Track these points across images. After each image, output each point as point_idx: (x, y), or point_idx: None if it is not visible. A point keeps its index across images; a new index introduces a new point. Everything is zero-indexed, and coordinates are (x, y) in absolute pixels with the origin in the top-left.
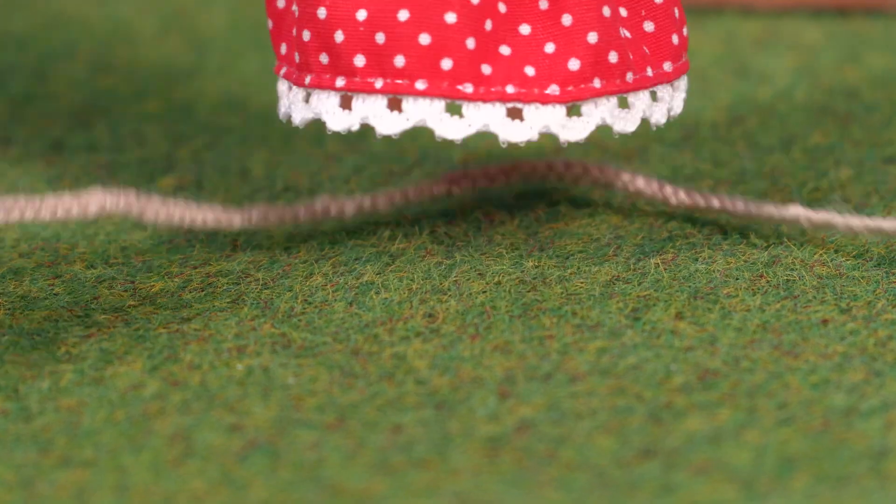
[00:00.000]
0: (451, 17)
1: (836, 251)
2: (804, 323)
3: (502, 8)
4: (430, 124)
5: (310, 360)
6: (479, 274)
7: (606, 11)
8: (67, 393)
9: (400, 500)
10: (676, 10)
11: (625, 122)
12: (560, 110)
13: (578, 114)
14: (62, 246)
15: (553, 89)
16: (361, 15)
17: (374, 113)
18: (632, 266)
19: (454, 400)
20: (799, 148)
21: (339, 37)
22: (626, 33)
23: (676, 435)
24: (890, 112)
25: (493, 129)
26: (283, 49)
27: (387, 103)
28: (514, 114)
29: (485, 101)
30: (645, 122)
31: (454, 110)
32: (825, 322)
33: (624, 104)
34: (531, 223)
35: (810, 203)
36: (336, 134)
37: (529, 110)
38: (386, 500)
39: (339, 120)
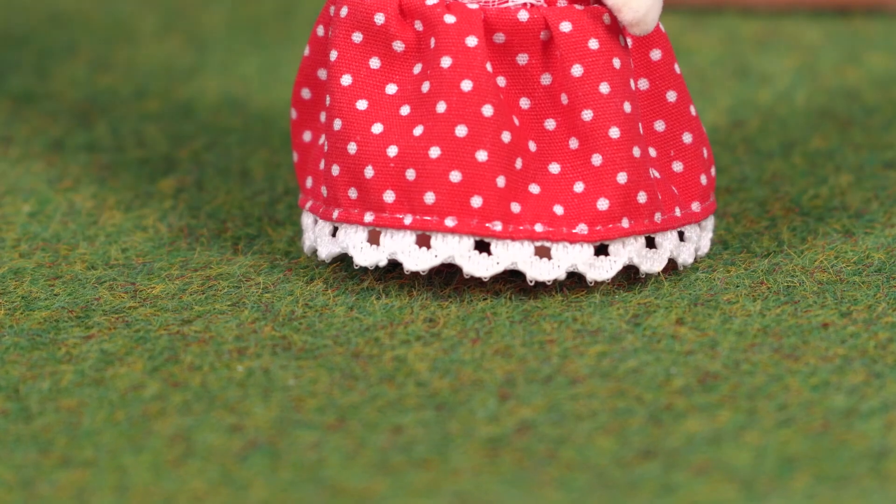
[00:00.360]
0: (482, 156)
1: (836, 257)
2: (804, 327)
3: (532, 147)
4: (459, 261)
5: (310, 361)
6: (480, 282)
7: (636, 152)
8: (68, 393)
9: (400, 500)
10: (705, 151)
11: (652, 262)
12: (588, 249)
13: (606, 253)
14: (63, 247)
15: (581, 228)
16: (392, 151)
17: (402, 249)
18: (632, 274)
19: (454, 401)
20: (799, 152)
21: (368, 172)
22: (655, 173)
23: (676, 436)
24: (890, 114)
25: (521, 267)
26: (309, 182)
27: (415, 239)
28: (542, 252)
29: (513, 239)
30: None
31: (482, 247)
32: (825, 325)
33: (651, 244)
34: None
35: (810, 212)
36: None
37: (557, 249)
38: (386, 500)
39: (366, 255)
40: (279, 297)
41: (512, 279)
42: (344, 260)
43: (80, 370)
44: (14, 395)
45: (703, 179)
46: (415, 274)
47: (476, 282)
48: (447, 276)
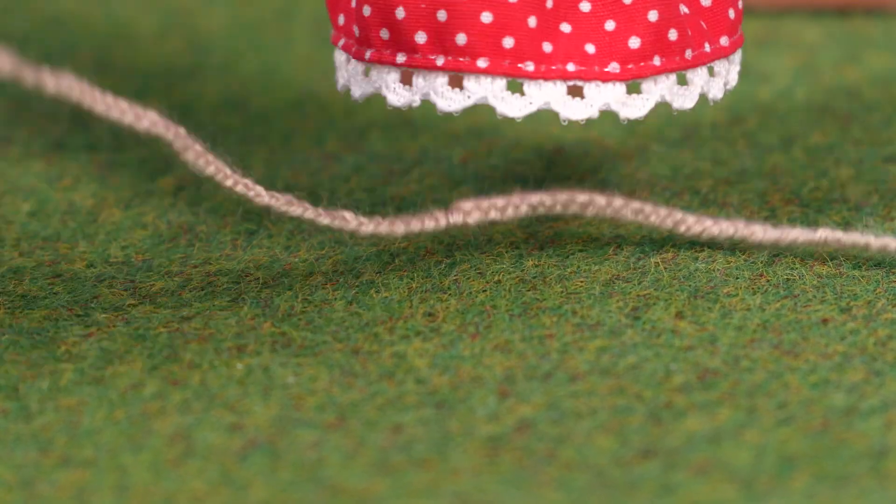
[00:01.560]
0: None
1: (835, 250)
2: (804, 322)
3: None
4: (492, 102)
5: (310, 359)
6: (479, 273)
7: None
8: (67, 392)
9: (400, 499)
10: None
11: (683, 99)
12: (620, 88)
13: (638, 91)
14: (62, 245)
15: (613, 67)
16: None
17: (435, 90)
18: (632, 265)
19: (454, 399)
20: (799, 147)
21: (400, 13)
22: (684, 9)
23: (676, 435)
24: (890, 111)
25: (554, 107)
26: (342, 20)
27: (448, 80)
28: (575, 91)
29: (546, 79)
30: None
31: (514, 88)
32: (825, 321)
33: (682, 80)
34: (531, 222)
35: (810, 203)
36: (335, 134)
37: (590, 88)
38: (386, 499)
39: (399, 96)
40: (278, 293)
41: (511, 269)
42: (342, 252)
43: (80, 369)
44: (14, 393)
45: (731, 13)
46: (411, 261)
47: (475, 272)
48: (446, 267)
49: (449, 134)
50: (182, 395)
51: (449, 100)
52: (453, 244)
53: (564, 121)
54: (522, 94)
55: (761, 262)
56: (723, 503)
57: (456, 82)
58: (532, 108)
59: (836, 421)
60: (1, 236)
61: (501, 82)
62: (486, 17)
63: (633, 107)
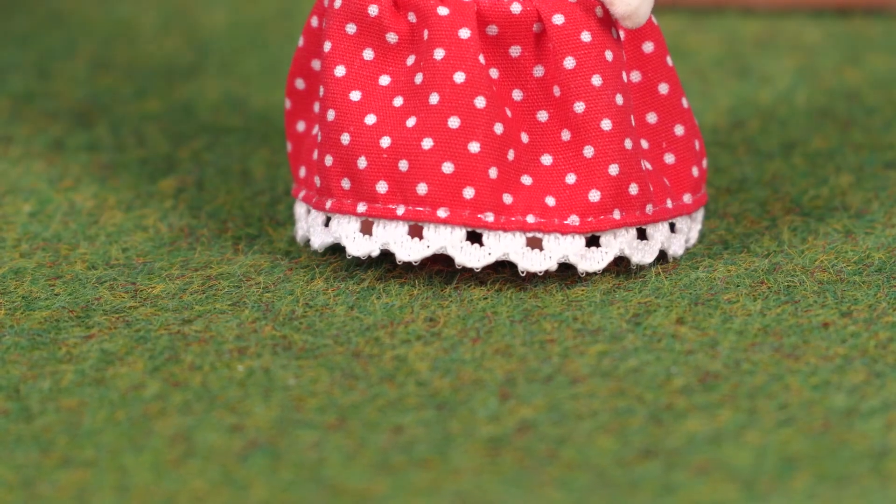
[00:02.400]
0: (474, 147)
1: (836, 257)
2: (805, 326)
3: (525, 138)
4: (451, 252)
5: (310, 361)
6: (480, 281)
7: (628, 144)
8: (68, 393)
9: (401, 500)
10: (697, 143)
11: (643, 254)
12: (579, 241)
13: (597, 244)
14: (63, 246)
15: (573, 220)
16: (385, 142)
17: (394, 239)
18: (632, 274)
19: (455, 401)
20: (799, 153)
21: (362, 163)
22: (647, 165)
23: (677, 435)
24: (891, 114)
25: (513, 258)
26: (302, 172)
27: (408, 230)
28: (534, 243)
29: (505, 230)
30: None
31: (474, 238)
32: (826, 325)
33: (643, 235)
34: None
35: (811, 212)
36: None
37: (549, 240)
38: (386, 500)
39: (359, 245)
40: (279, 297)
41: (512, 278)
42: (343, 259)
43: (81, 370)
44: (15, 394)
45: (695, 171)
46: (412, 268)
47: (476, 281)
48: (448, 276)
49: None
50: (183, 396)
51: (408, 249)
52: None
53: (523, 272)
54: (481, 244)
55: (762, 271)
56: (723, 503)
57: (416, 231)
58: (490, 260)
59: (837, 422)
60: (1, 237)
61: (461, 232)
62: (448, 168)
63: (592, 260)
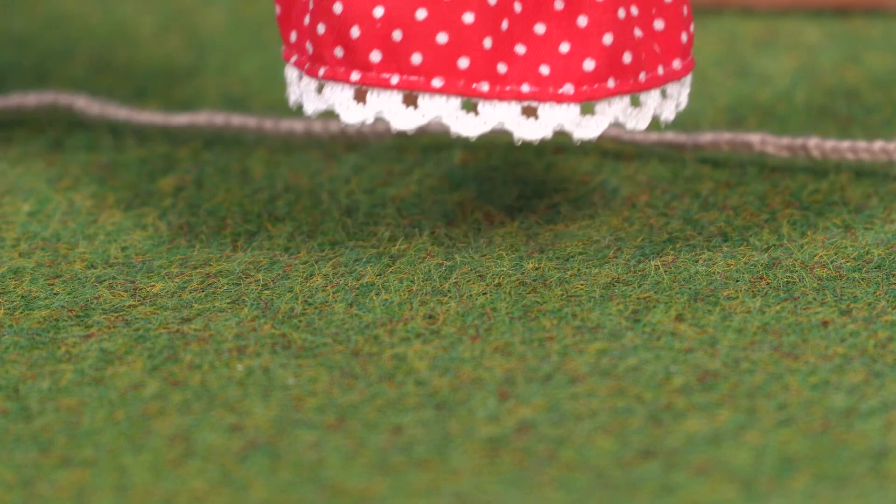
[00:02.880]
0: (468, 17)
1: (835, 253)
2: (804, 324)
3: (518, 8)
4: (446, 121)
5: (310, 360)
6: (480, 276)
7: (621, 13)
8: (67, 393)
9: (400, 500)
10: (685, 8)
11: (637, 120)
12: (574, 109)
13: (592, 112)
14: (62, 245)
15: (567, 89)
16: (378, 12)
17: (389, 108)
18: (632, 268)
19: (454, 401)
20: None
21: (355, 32)
22: (638, 32)
23: (676, 436)
24: (890, 113)
25: (508, 127)
26: (293, 37)
27: (402, 99)
28: (529, 112)
29: (500, 99)
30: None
31: (469, 107)
32: (825, 324)
33: (636, 102)
34: (531, 225)
35: (810, 206)
36: (335, 134)
37: (544, 109)
38: (386, 500)
39: (353, 113)
40: (279, 294)
41: (511, 273)
42: (342, 254)
43: (80, 369)
44: (14, 394)
45: (684, 37)
46: (412, 263)
47: (476, 274)
48: (447, 270)
49: (449, 134)
50: (182, 395)
51: (403, 118)
52: (453, 247)
53: (518, 141)
54: (477, 113)
55: (761, 266)
56: (723, 503)
57: (410, 101)
58: (486, 128)
59: (836, 422)
60: (1, 236)
61: (456, 102)
62: (442, 38)
63: (587, 128)
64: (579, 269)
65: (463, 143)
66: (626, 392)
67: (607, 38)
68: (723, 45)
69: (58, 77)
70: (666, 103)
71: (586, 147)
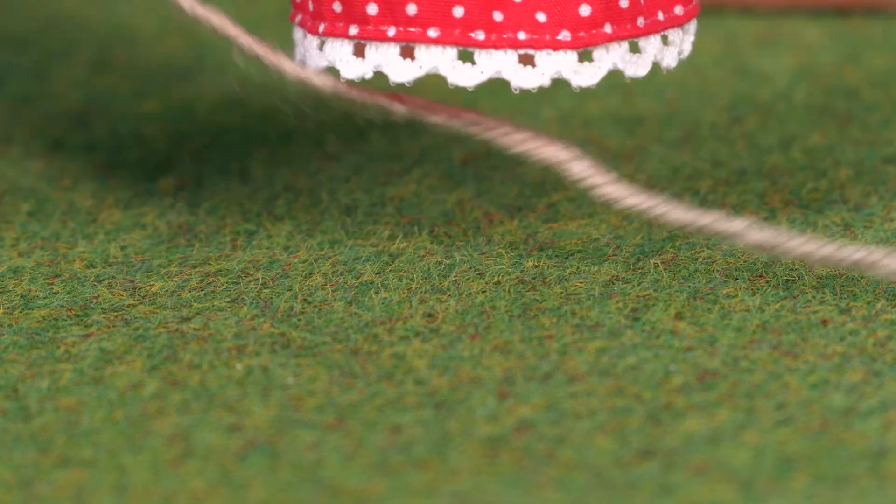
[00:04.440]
0: None
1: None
2: (803, 323)
3: None
4: (443, 72)
5: (309, 359)
6: (479, 274)
7: None
8: (66, 392)
9: (399, 500)
10: None
11: (636, 67)
12: (572, 56)
13: (590, 59)
14: (62, 245)
15: (564, 35)
16: None
17: (386, 61)
18: (631, 266)
19: (453, 400)
20: (798, 148)
21: None
22: None
23: (675, 435)
24: (889, 112)
25: (506, 75)
26: None
27: (399, 51)
28: (526, 60)
29: (497, 48)
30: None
31: (466, 57)
32: (824, 322)
33: (635, 49)
34: (530, 223)
35: (809, 204)
36: (335, 133)
37: (541, 56)
38: (385, 500)
39: (352, 68)
40: (278, 293)
41: (510, 271)
42: (341, 253)
43: (79, 369)
44: (13, 394)
45: None
46: (411, 261)
47: (475, 272)
48: (446, 268)
49: (449, 134)
50: (181, 395)
51: (400, 70)
52: (453, 245)
53: (516, 89)
54: (473, 63)
55: (761, 263)
56: (722, 503)
57: (408, 53)
58: (483, 78)
59: (835, 421)
60: (0, 236)
61: (452, 52)
62: None
63: (585, 75)
64: (578, 268)
65: (463, 143)
66: (626, 391)
67: None
68: (723, 45)
69: (58, 77)
70: (668, 50)
71: (586, 147)
